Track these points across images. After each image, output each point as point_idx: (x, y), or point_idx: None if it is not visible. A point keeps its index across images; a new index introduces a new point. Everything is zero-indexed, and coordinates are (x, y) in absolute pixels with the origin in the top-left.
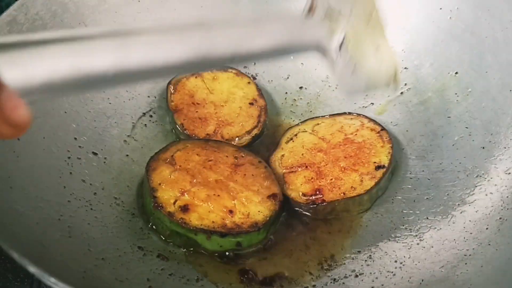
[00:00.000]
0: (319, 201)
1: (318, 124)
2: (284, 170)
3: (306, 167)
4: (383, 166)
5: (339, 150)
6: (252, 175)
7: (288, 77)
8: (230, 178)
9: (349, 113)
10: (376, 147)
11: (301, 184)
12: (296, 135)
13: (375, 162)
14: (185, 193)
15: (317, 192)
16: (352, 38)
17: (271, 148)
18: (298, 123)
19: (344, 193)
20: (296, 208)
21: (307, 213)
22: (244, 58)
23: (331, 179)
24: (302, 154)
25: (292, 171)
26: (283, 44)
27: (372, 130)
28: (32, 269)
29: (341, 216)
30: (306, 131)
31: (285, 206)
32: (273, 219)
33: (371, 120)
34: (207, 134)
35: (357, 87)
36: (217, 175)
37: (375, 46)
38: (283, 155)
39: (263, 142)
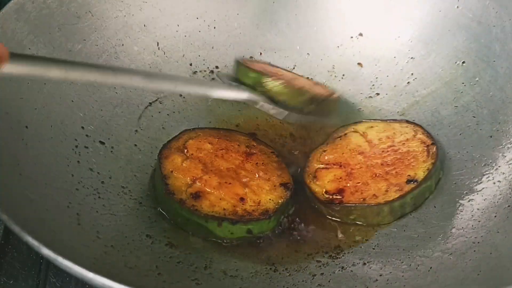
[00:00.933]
0: (337, 201)
1: (371, 127)
2: (319, 165)
3: (340, 166)
4: (415, 181)
5: (379, 156)
6: (264, 164)
7: (294, 67)
8: (241, 167)
9: (407, 121)
10: (418, 160)
11: (328, 182)
12: (345, 134)
13: (409, 175)
14: (197, 181)
15: (339, 192)
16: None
17: (277, 140)
18: (351, 123)
19: (363, 199)
20: (313, 204)
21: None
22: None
23: (358, 183)
24: (343, 153)
25: (326, 168)
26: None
27: (422, 142)
28: (45, 251)
29: (358, 221)
30: (357, 132)
31: (294, 195)
32: (284, 208)
33: (425, 132)
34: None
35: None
36: (228, 164)
37: None
38: (324, 151)
39: (269, 134)
